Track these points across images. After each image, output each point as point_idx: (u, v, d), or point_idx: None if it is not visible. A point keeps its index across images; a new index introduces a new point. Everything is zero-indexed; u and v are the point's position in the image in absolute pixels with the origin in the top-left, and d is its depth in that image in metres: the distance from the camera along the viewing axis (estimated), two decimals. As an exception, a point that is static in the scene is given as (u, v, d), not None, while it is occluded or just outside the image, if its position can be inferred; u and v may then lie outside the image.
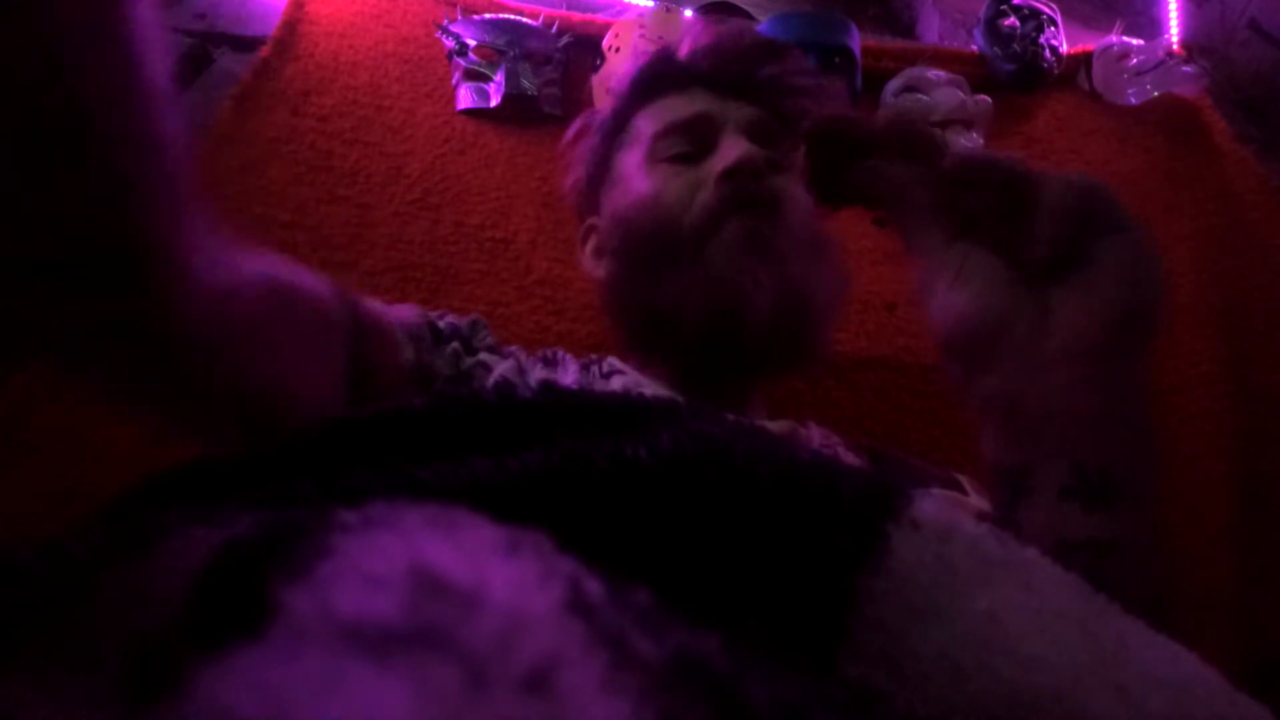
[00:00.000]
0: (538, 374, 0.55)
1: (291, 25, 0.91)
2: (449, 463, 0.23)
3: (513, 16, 0.96)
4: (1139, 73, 1.09)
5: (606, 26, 0.96)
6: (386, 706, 0.12)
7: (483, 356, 0.55)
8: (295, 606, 0.14)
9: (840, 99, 0.84)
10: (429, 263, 0.80)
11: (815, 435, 0.56)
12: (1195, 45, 1.18)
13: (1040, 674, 0.19)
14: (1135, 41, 1.13)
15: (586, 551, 0.17)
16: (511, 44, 0.93)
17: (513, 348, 0.59)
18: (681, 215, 0.55)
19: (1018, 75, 1.07)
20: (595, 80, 0.94)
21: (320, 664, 0.13)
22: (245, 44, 0.94)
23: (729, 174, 0.55)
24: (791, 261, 0.54)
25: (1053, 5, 1.11)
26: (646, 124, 0.62)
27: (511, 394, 0.28)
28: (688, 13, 0.97)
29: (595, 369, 0.58)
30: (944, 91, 0.99)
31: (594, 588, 0.15)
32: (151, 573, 0.18)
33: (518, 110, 0.91)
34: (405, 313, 0.53)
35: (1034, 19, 1.08)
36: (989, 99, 1.01)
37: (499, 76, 0.91)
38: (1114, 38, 1.11)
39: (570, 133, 0.73)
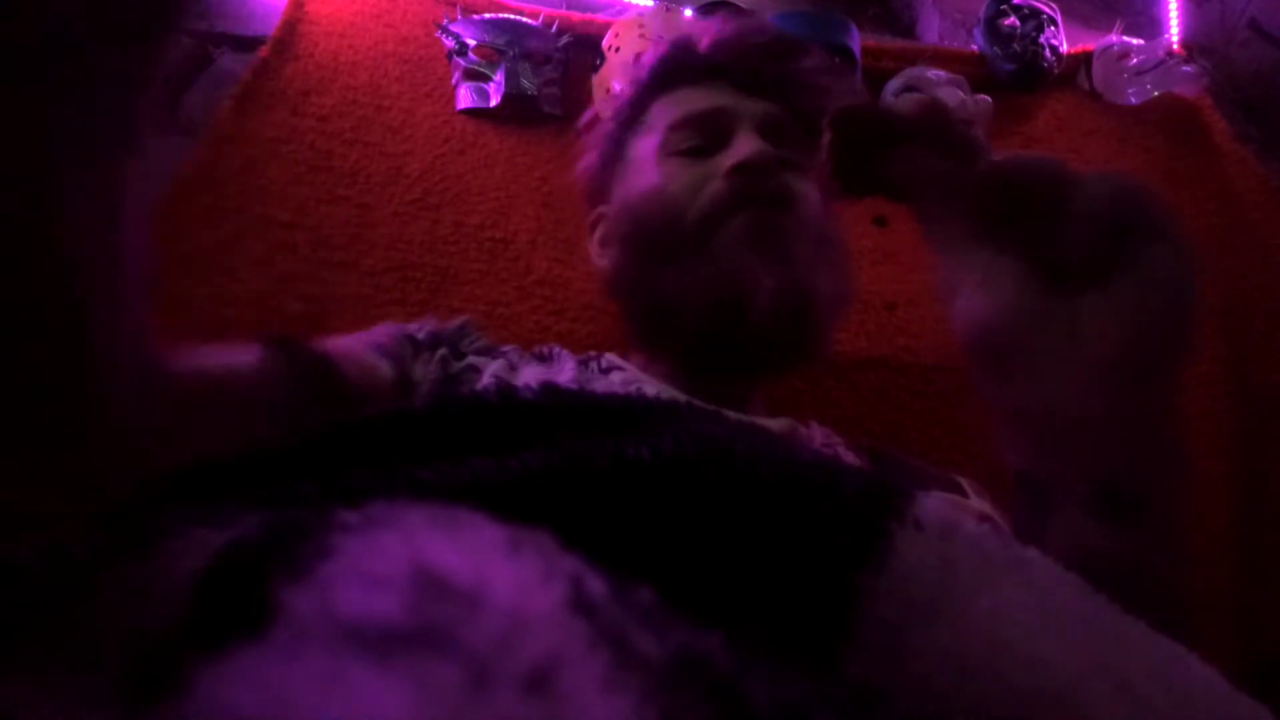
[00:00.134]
0: (532, 371, 0.55)
1: (291, 25, 0.91)
2: (450, 463, 0.23)
3: (512, 16, 0.96)
4: (1139, 73, 1.09)
5: (606, 26, 0.96)
6: (388, 706, 0.12)
7: (471, 360, 0.55)
8: (296, 607, 0.14)
9: (859, 98, 0.84)
10: (429, 263, 0.80)
11: (817, 434, 0.56)
12: (1195, 45, 1.18)
13: (1042, 673, 0.19)
14: (1135, 41, 1.13)
15: (588, 551, 0.17)
16: (511, 44, 0.93)
17: (508, 347, 0.59)
18: (688, 208, 0.55)
19: (1018, 75, 1.07)
20: (595, 80, 0.94)
21: (321, 664, 0.13)
22: (245, 44, 0.94)
23: (739, 169, 0.55)
24: (797, 259, 0.54)
25: (1053, 5, 1.11)
26: (662, 114, 0.61)
27: (513, 394, 0.28)
28: (688, 12, 0.97)
29: (594, 364, 0.58)
30: (944, 91, 0.99)
31: (596, 587, 0.15)
32: (152, 573, 0.18)
33: (518, 110, 0.91)
34: (377, 333, 0.54)
35: (1034, 19, 1.08)
36: (989, 99, 1.01)
37: (499, 76, 0.91)
38: (1114, 37, 1.11)
39: (585, 117, 0.72)
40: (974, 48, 1.11)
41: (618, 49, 0.91)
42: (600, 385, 0.54)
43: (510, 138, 0.91)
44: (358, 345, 0.52)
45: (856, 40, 1.01)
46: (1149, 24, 1.20)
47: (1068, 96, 1.10)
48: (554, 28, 0.97)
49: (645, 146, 0.61)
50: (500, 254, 0.82)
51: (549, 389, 0.29)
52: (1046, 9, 1.10)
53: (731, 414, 0.33)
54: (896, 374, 0.82)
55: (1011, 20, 1.08)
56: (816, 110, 0.60)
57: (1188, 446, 0.31)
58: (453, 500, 0.19)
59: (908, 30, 1.26)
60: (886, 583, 0.20)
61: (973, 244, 0.31)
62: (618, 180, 0.64)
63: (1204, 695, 0.19)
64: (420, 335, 0.56)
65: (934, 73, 1.02)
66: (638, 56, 0.71)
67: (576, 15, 1.01)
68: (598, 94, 0.92)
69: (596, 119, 0.71)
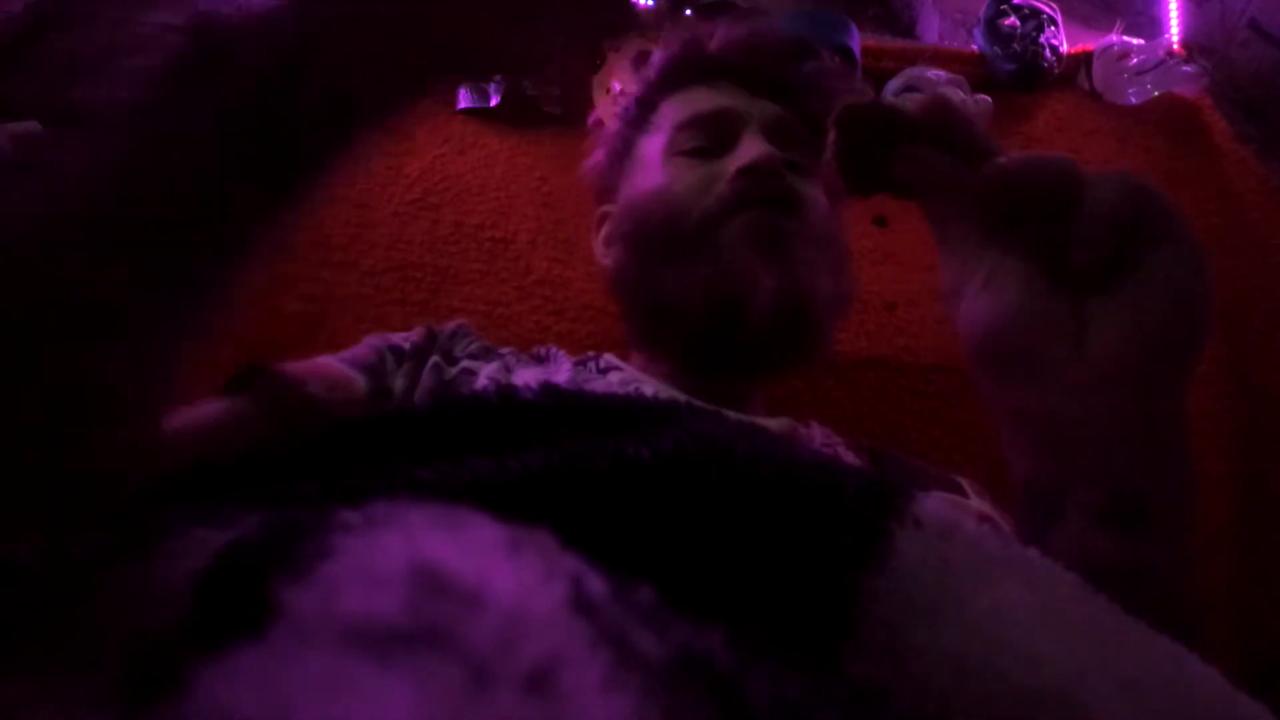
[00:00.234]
0: (528, 373, 0.55)
1: (291, 25, 0.91)
2: (450, 463, 0.23)
3: (513, 16, 0.96)
4: (1139, 72, 1.09)
5: (606, 26, 0.96)
6: (388, 706, 0.12)
7: (466, 364, 0.55)
8: (297, 607, 0.14)
9: (865, 97, 0.84)
10: (429, 263, 0.80)
11: (817, 434, 0.56)
12: (1195, 45, 1.18)
13: (1042, 672, 0.19)
14: (1135, 41, 1.13)
15: (589, 551, 0.17)
16: (511, 44, 0.92)
17: (505, 350, 0.59)
18: (693, 208, 0.55)
19: (1018, 75, 1.07)
20: (595, 80, 0.94)
21: (322, 664, 0.13)
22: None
23: (745, 172, 0.55)
24: (801, 261, 0.54)
25: (1053, 5, 1.11)
26: (670, 113, 0.61)
27: (513, 394, 0.28)
28: (688, 12, 0.97)
29: (592, 365, 0.58)
30: (944, 92, 0.99)
31: (596, 586, 0.15)
32: (152, 573, 0.18)
33: (517, 110, 0.91)
34: (358, 349, 0.54)
35: (1034, 19, 1.08)
36: (989, 99, 1.01)
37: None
38: (1114, 37, 1.11)
39: (594, 117, 0.72)
40: (974, 48, 1.11)
41: (618, 49, 0.91)
42: (598, 385, 0.54)
43: (510, 138, 0.91)
44: (330, 361, 0.52)
45: (856, 40, 1.01)
46: (1149, 24, 1.20)
47: (1068, 96, 1.10)
48: (554, 28, 0.97)
49: (652, 146, 0.61)
50: (500, 254, 0.82)
51: (549, 389, 0.29)
52: (1046, 9, 1.10)
53: (731, 414, 0.33)
54: (896, 374, 0.82)
55: (1011, 20, 1.08)
56: (823, 113, 0.60)
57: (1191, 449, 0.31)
58: (453, 500, 0.19)
59: (908, 30, 1.26)
60: (887, 582, 0.20)
61: (979, 244, 0.31)
62: (624, 179, 0.64)
63: (1204, 694, 0.19)
64: (406, 345, 0.55)
65: (934, 73, 1.02)
66: (638, 56, 0.71)
67: (576, 15, 1.01)
68: (598, 94, 0.92)
69: (605, 118, 0.71)
